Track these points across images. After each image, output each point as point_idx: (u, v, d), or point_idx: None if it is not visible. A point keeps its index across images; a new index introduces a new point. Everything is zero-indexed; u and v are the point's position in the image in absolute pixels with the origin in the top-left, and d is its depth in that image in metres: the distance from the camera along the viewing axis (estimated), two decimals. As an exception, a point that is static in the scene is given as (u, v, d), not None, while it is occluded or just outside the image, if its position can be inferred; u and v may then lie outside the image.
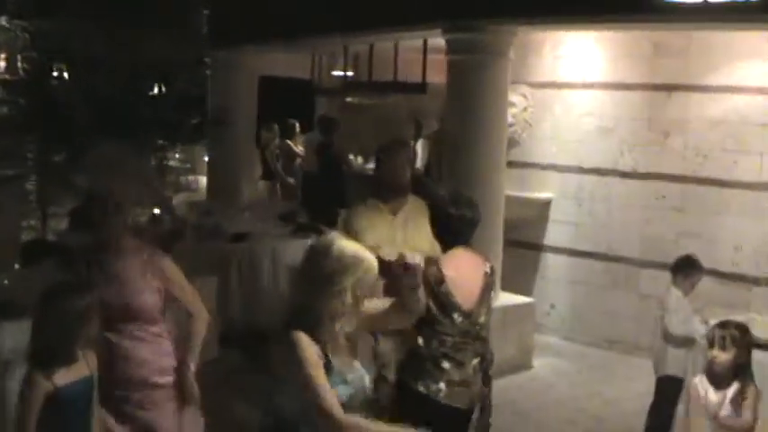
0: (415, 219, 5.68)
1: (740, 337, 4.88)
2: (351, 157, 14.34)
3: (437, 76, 9.83)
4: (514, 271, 9.37)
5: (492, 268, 5.02)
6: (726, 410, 4.83)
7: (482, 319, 4.87)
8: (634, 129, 9.36)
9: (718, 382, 4.89)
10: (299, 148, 14.85)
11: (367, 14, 9.32)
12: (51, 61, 11.55)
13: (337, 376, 3.45)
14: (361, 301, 3.59)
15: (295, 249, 9.38)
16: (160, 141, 12.66)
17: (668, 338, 6.45)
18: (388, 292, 4.46)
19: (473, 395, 4.87)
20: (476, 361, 4.85)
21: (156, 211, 9.76)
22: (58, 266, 4.83)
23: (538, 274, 10.19)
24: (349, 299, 3.48)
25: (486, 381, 4.98)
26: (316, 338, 3.42)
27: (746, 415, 4.80)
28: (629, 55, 9.38)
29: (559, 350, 9.57)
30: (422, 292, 3.89)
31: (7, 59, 11.38)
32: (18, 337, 4.59)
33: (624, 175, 9.44)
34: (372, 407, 3.70)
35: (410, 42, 10.72)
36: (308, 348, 3.38)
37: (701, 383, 4.96)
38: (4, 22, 11.39)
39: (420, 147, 12.91)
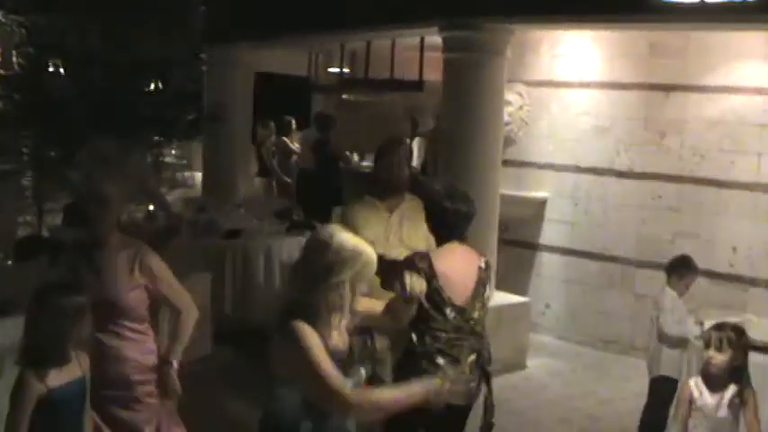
0: (411, 217, 5.67)
1: (736, 339, 4.87)
2: (347, 154, 14.32)
3: (434, 74, 9.80)
4: (510, 270, 9.36)
5: (487, 263, 5.00)
6: (723, 413, 4.82)
7: (476, 315, 4.84)
8: (630, 128, 9.35)
9: (714, 383, 4.87)
10: (295, 145, 14.84)
11: (363, 12, 9.29)
12: (47, 56, 11.52)
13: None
14: (359, 296, 3.59)
15: (289, 246, 9.40)
16: (156, 137, 12.64)
17: (663, 339, 6.44)
18: (385, 284, 4.47)
19: (471, 392, 4.85)
20: (472, 357, 4.83)
21: (151, 207, 9.73)
22: (50, 262, 4.79)
23: (533, 273, 10.17)
24: (348, 292, 3.48)
25: (485, 378, 4.96)
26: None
27: (752, 422, 4.81)
28: (627, 55, 9.37)
29: (554, 350, 9.55)
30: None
31: (2, 54, 11.35)
32: (11, 334, 4.55)
33: (620, 174, 9.42)
34: None
35: (407, 40, 10.70)
36: (311, 335, 3.37)
37: (696, 385, 4.95)
38: (0, 17, 11.35)
39: (416, 145, 12.89)
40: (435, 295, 4.72)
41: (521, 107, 10.02)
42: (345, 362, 3.58)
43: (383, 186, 5.83)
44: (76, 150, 10.22)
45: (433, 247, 4.98)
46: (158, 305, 4.92)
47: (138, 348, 4.66)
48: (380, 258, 3.90)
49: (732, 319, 5.90)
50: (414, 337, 4.81)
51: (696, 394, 4.90)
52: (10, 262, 8.14)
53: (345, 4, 9.64)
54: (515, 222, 9.74)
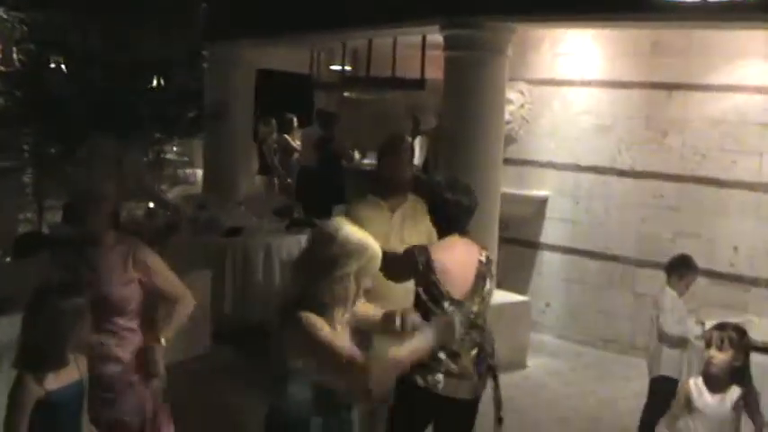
0: (413, 217, 5.66)
1: (738, 339, 4.85)
2: (349, 151, 14.31)
3: (436, 73, 9.78)
4: (510, 269, 9.34)
5: (488, 257, 4.98)
6: (725, 414, 4.79)
7: (475, 309, 4.82)
8: (632, 127, 9.33)
9: (715, 384, 4.85)
10: (297, 143, 14.82)
11: (364, 10, 9.27)
12: (48, 53, 11.51)
13: None
14: (362, 291, 3.58)
15: (289, 244, 9.40)
16: (157, 135, 12.63)
17: (663, 339, 6.42)
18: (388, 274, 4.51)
19: (475, 386, 4.84)
20: (473, 352, 4.81)
21: (151, 205, 9.73)
22: (49, 260, 4.76)
23: (533, 271, 10.15)
24: (353, 285, 3.47)
25: (491, 372, 4.94)
26: None
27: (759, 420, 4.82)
28: (628, 53, 9.34)
29: (554, 349, 9.53)
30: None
31: (3, 51, 11.34)
32: (9, 332, 4.53)
33: (621, 173, 9.40)
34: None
35: (409, 38, 10.68)
36: (318, 320, 3.38)
37: (695, 385, 4.93)
38: (1, 13, 11.34)
39: (418, 143, 12.88)
40: (433, 289, 4.72)
41: (522, 105, 10.00)
42: None
43: (386, 185, 5.82)
44: (77, 147, 10.23)
45: (434, 241, 4.98)
46: (155, 303, 4.86)
47: (130, 347, 4.61)
48: (383, 255, 3.89)
49: (733, 319, 5.88)
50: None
51: (695, 394, 4.88)
52: (9, 259, 8.11)
53: (346, 2, 9.62)
54: (516, 221, 9.71)
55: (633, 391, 7.51)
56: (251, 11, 11.44)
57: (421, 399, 4.72)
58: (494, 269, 5.04)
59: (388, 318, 3.90)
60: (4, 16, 11.23)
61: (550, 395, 8.15)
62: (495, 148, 8.53)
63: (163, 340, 4.67)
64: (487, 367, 4.90)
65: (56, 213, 10.95)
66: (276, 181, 15.20)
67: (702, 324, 6.22)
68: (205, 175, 13.58)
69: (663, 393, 6.38)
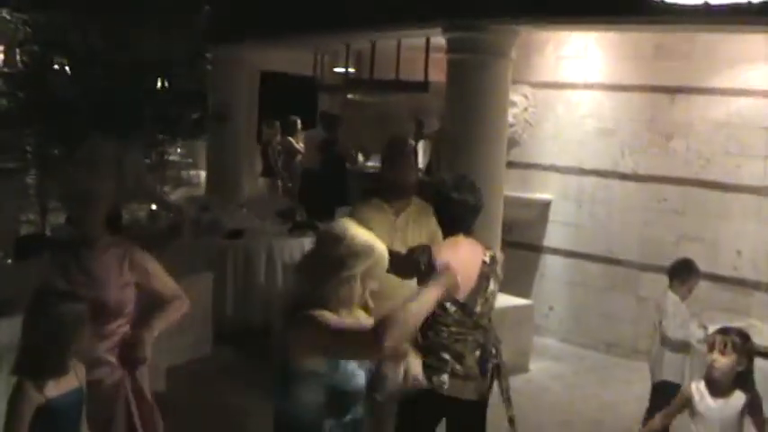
0: (417, 221, 5.65)
1: (741, 344, 4.82)
2: (353, 154, 14.32)
3: (439, 75, 9.77)
4: (513, 272, 9.28)
5: (493, 257, 4.95)
6: (727, 419, 4.76)
7: (478, 309, 4.81)
8: (635, 131, 9.31)
9: (717, 388, 4.82)
10: (300, 145, 14.82)
11: (367, 12, 9.25)
12: (51, 54, 11.49)
13: (333, 361, 3.40)
14: (369, 291, 3.56)
15: (291, 247, 9.39)
16: (161, 136, 12.62)
17: (665, 343, 6.40)
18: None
19: (480, 387, 4.83)
20: (478, 352, 4.80)
21: (153, 207, 9.72)
22: (48, 262, 4.69)
23: (537, 275, 10.13)
24: (358, 287, 3.46)
25: (497, 372, 4.91)
26: None
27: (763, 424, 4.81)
28: (632, 57, 9.33)
29: (557, 352, 9.51)
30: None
31: (6, 52, 11.34)
32: (10, 333, 4.49)
33: (624, 177, 9.38)
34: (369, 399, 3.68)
35: (413, 41, 10.66)
36: (327, 313, 3.36)
37: (697, 389, 4.90)
38: (5, 15, 11.34)
39: (421, 147, 12.88)
40: None
41: (525, 109, 9.98)
42: None
43: (390, 188, 5.80)
44: (78, 148, 10.22)
45: (439, 242, 4.96)
46: (148, 306, 4.77)
47: (115, 349, 4.48)
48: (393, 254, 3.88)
49: (736, 323, 5.85)
50: (418, 333, 4.80)
51: (697, 398, 4.86)
52: (10, 261, 8.09)
53: (350, 4, 9.60)
54: (519, 224, 9.70)
55: (636, 395, 7.49)
56: (255, 12, 11.43)
57: (426, 399, 4.69)
58: (499, 269, 5.00)
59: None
60: (8, 18, 11.22)
61: (553, 399, 8.14)
62: (498, 151, 8.51)
63: (154, 331, 4.53)
64: (494, 367, 4.88)
65: (59, 215, 10.94)
66: (279, 183, 15.19)
67: (705, 328, 6.19)
68: (208, 176, 13.59)
69: (665, 398, 6.33)
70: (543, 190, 10.03)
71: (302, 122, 15.28)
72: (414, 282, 4.81)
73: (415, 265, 4.75)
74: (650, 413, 6.57)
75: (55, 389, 3.77)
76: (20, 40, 11.36)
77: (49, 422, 3.75)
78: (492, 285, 4.91)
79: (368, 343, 3.21)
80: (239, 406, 7.13)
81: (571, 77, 9.81)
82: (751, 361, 4.90)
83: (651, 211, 9.21)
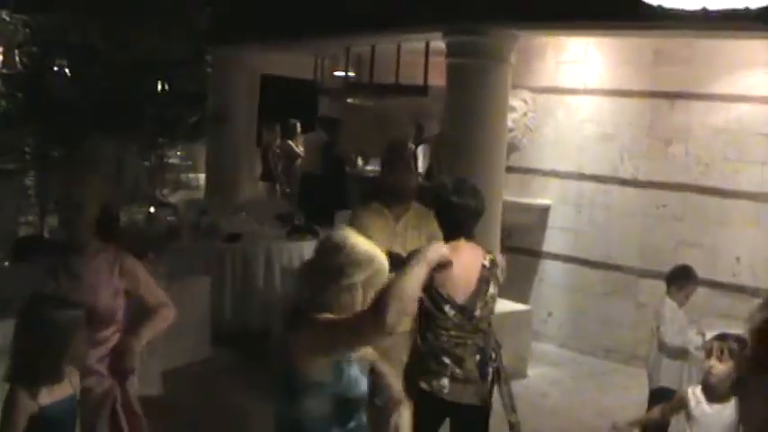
0: (417, 226, 5.66)
1: (738, 350, 4.81)
2: (352, 157, 14.31)
3: (439, 79, 9.78)
4: (512, 277, 9.26)
5: (493, 261, 4.96)
6: (725, 425, 4.75)
7: (478, 313, 4.81)
8: (635, 136, 9.30)
9: (714, 394, 4.82)
10: (300, 149, 14.81)
11: (367, 16, 9.25)
12: (50, 56, 11.49)
13: (338, 369, 3.40)
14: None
15: (290, 251, 9.40)
16: (160, 139, 12.61)
17: (663, 349, 6.39)
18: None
19: (480, 391, 4.82)
20: (478, 356, 4.81)
21: (152, 209, 9.71)
22: (41, 266, 4.64)
23: (536, 280, 10.12)
24: (360, 295, 3.45)
25: (496, 376, 4.90)
26: None
27: None
28: (631, 62, 9.33)
29: (555, 358, 9.50)
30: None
31: (5, 53, 11.31)
32: (7, 334, 4.46)
33: (624, 182, 9.38)
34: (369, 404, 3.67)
35: (413, 44, 10.66)
36: (326, 314, 3.36)
37: (693, 394, 4.90)
38: (4, 16, 11.32)
39: (421, 151, 12.87)
40: (434, 293, 4.72)
41: (525, 114, 9.97)
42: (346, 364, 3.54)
43: (390, 193, 5.80)
44: (76, 150, 10.21)
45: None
46: (136, 314, 4.72)
47: (104, 356, 4.43)
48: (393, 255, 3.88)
49: (734, 330, 5.84)
50: (418, 336, 4.82)
51: (693, 403, 4.85)
52: (8, 263, 8.08)
53: (350, 7, 9.60)
54: (519, 229, 9.69)
55: (634, 401, 7.45)
56: (255, 15, 11.43)
57: (427, 403, 4.71)
58: (500, 273, 4.99)
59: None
60: (7, 19, 11.20)
61: (551, 404, 8.13)
62: (497, 155, 8.51)
63: (142, 339, 4.50)
64: (494, 371, 4.88)
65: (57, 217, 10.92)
66: (278, 187, 15.18)
67: (703, 335, 6.18)
68: (207, 179, 13.58)
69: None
70: (542, 195, 10.03)
71: (302, 126, 15.26)
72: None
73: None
74: (648, 420, 6.58)
75: (49, 396, 3.71)
76: (19, 42, 11.33)
77: (43, 430, 3.69)
78: (492, 289, 4.91)
79: (371, 322, 3.20)
80: (238, 408, 7.13)
81: (571, 82, 9.81)
82: (748, 368, 4.89)
83: (650, 216, 9.20)
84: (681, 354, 6.36)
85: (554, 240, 9.99)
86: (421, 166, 12.37)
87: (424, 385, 4.74)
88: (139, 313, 4.64)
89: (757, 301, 5.30)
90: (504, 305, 8.59)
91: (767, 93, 8.42)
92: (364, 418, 3.57)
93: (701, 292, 6.89)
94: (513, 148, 9.66)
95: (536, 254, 10.11)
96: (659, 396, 6.40)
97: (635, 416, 5.83)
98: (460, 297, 4.76)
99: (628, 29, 8.01)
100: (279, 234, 9.99)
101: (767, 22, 6.60)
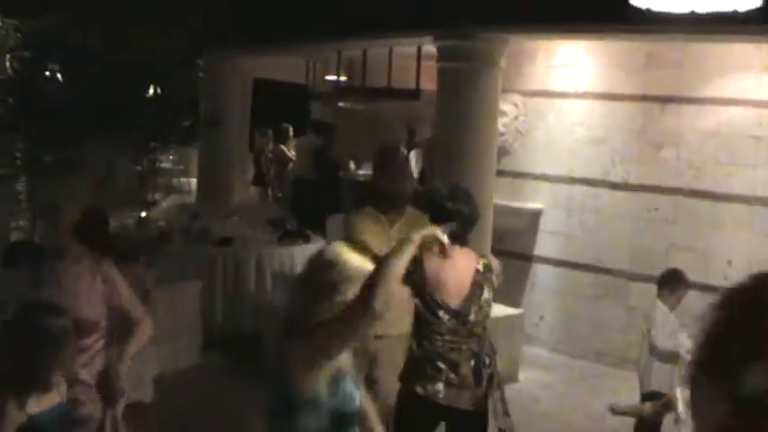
0: (411, 232, 5.62)
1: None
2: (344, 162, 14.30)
3: (431, 83, 9.77)
4: (504, 281, 9.25)
5: (486, 266, 4.95)
6: None
7: (472, 317, 4.81)
8: (626, 140, 9.30)
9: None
10: (292, 153, 14.80)
11: (358, 20, 9.24)
12: (42, 61, 11.48)
13: (334, 385, 3.40)
14: None
15: (281, 255, 9.39)
16: (152, 143, 12.60)
17: (654, 353, 6.39)
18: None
19: (475, 396, 4.81)
20: (473, 362, 4.80)
21: (143, 214, 9.71)
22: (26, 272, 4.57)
23: (527, 284, 10.11)
24: None
25: (490, 381, 4.89)
26: None
27: None
28: (623, 66, 9.32)
29: (547, 362, 9.49)
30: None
31: (-4, 58, 11.32)
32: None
33: (615, 186, 9.37)
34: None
35: (404, 48, 10.66)
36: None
37: (682, 397, 4.89)
38: (-3, 21, 11.34)
39: (413, 155, 12.85)
40: (428, 299, 4.72)
41: (516, 117, 9.97)
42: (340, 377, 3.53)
43: (385, 196, 5.80)
44: (70, 155, 10.20)
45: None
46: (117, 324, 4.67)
47: (96, 370, 4.39)
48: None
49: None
50: (414, 341, 4.82)
51: (680, 407, 4.85)
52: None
53: (340, 11, 9.59)
54: (510, 233, 9.67)
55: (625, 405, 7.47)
56: (248, 19, 11.42)
57: (422, 408, 4.75)
58: (494, 278, 4.98)
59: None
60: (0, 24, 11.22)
61: (543, 409, 8.12)
62: (488, 159, 8.50)
63: (126, 362, 4.46)
64: (489, 377, 4.87)
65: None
66: (270, 192, 15.17)
67: (694, 338, 6.17)
68: (199, 183, 13.56)
69: (653, 409, 6.36)
70: (534, 199, 10.02)
71: (294, 130, 15.26)
72: (406, 291, 4.82)
73: (407, 276, 4.74)
74: (639, 424, 6.58)
75: (36, 405, 3.66)
76: (10, 47, 11.34)
77: None
78: (486, 294, 4.90)
79: (360, 309, 3.26)
80: (230, 412, 7.11)
81: (562, 86, 9.80)
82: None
83: (641, 220, 9.20)
84: (672, 357, 6.35)
85: (545, 244, 9.99)
86: (414, 170, 12.35)
87: (419, 390, 4.74)
88: (121, 325, 4.59)
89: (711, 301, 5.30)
90: (496, 309, 8.50)
91: (758, 96, 8.42)
92: (358, 431, 3.58)
93: (692, 295, 6.88)
94: (503, 151, 9.66)
95: (527, 258, 10.10)
96: (650, 399, 6.42)
97: (627, 405, 5.80)
98: (454, 302, 4.76)
99: (617, 32, 8.02)
100: (270, 238, 9.99)
101: (755, 24, 6.61)
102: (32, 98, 11.03)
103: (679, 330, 6.48)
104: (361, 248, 3.83)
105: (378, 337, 5.42)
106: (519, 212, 9.89)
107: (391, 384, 5.15)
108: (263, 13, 11.07)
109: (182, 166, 15.93)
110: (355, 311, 3.29)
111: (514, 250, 9.97)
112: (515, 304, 9.42)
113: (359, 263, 3.50)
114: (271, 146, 15.20)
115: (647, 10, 6.22)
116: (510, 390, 8.25)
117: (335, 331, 3.34)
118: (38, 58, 11.44)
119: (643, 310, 7.04)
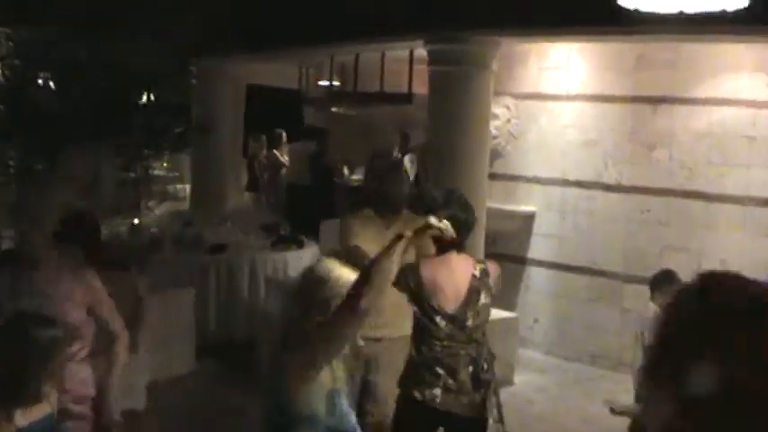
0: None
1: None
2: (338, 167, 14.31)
3: (423, 87, 9.76)
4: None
5: (483, 271, 4.95)
6: None
7: (469, 323, 4.80)
8: (618, 141, 9.29)
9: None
10: (285, 158, 14.80)
11: (350, 24, 9.23)
12: (34, 69, 11.48)
13: (329, 403, 3.40)
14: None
15: (274, 261, 9.37)
16: (146, 150, 12.60)
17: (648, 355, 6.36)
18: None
19: (473, 402, 4.81)
20: (471, 367, 4.80)
21: (136, 221, 9.69)
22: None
23: (521, 287, 10.09)
24: None
25: (486, 386, 4.87)
26: None
27: None
28: (614, 67, 9.31)
29: (541, 365, 9.48)
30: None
31: (-13, 66, 11.32)
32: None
33: (608, 188, 9.36)
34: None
35: (397, 53, 10.65)
36: None
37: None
38: (-12, 30, 11.32)
39: (408, 159, 12.85)
40: (425, 304, 4.72)
41: (508, 120, 9.95)
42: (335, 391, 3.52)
43: (382, 200, 5.80)
44: (62, 163, 10.19)
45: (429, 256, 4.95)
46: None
47: (80, 381, 4.35)
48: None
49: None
50: (413, 347, 4.85)
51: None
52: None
53: (333, 16, 9.58)
54: (503, 236, 9.66)
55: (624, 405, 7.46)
56: (240, 25, 11.41)
57: (420, 413, 4.76)
58: (491, 283, 4.97)
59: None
60: (-8, 32, 11.22)
61: (537, 411, 8.10)
62: (480, 162, 8.50)
63: (113, 393, 4.47)
64: (486, 382, 4.86)
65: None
66: (263, 198, 15.17)
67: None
68: (193, 190, 13.56)
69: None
70: (527, 202, 10.00)
71: (287, 135, 15.26)
72: (403, 297, 4.82)
73: (404, 282, 4.74)
74: (634, 427, 6.55)
75: (24, 417, 3.57)
76: (2, 55, 11.34)
77: None
78: (483, 299, 4.90)
79: (351, 309, 3.27)
80: (224, 419, 7.10)
81: (554, 89, 9.79)
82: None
83: (635, 221, 9.19)
84: (665, 359, 6.32)
85: (539, 247, 9.97)
86: (409, 174, 12.34)
87: (417, 395, 4.75)
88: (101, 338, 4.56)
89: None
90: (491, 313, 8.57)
91: (751, 96, 8.41)
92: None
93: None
94: (496, 154, 9.65)
95: (521, 261, 10.08)
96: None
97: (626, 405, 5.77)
98: (451, 307, 4.76)
99: (607, 34, 8.01)
100: (264, 244, 9.97)
101: (744, 24, 6.60)
102: (24, 106, 11.01)
103: (672, 332, 6.45)
104: (354, 259, 3.83)
105: (377, 340, 5.39)
106: (512, 215, 9.87)
107: (390, 389, 5.14)
108: (255, 19, 11.06)
109: (176, 173, 15.94)
110: (344, 314, 3.29)
111: (508, 253, 9.94)
112: (509, 307, 9.39)
113: (351, 277, 3.49)
114: (264, 151, 15.21)
115: (636, 11, 6.21)
116: (505, 393, 8.21)
117: (328, 336, 3.33)
118: (29, 67, 11.43)
119: (637, 312, 7.01)
